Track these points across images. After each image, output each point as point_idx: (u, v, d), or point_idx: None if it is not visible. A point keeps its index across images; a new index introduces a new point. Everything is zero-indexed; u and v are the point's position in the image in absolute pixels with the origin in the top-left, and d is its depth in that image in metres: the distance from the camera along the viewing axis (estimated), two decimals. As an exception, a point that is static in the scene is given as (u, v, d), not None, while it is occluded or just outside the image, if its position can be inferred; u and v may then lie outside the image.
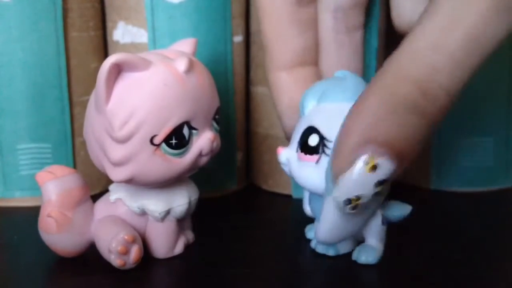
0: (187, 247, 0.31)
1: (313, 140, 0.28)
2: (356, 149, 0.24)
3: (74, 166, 0.38)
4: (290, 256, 0.31)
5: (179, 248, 0.30)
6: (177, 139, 0.27)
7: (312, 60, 0.32)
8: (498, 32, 0.23)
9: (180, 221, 0.30)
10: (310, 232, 0.32)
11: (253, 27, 0.39)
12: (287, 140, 0.31)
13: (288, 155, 0.29)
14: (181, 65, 0.27)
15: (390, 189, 0.30)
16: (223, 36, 0.37)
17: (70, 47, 0.37)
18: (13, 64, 0.36)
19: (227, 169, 0.39)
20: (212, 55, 0.37)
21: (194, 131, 0.28)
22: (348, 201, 0.25)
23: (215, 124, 0.29)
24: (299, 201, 0.38)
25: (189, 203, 0.30)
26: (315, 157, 0.27)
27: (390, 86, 0.24)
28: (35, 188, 0.30)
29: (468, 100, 0.38)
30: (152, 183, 0.28)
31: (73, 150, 0.38)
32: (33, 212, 0.30)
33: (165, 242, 0.30)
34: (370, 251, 0.29)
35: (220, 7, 0.37)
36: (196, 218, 0.32)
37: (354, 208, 0.25)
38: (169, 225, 0.29)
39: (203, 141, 0.28)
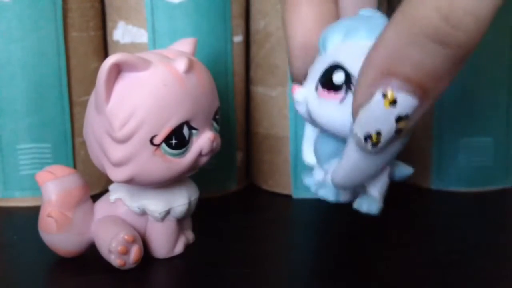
0: (187, 247, 0.31)
1: (338, 77, 0.26)
2: (375, 82, 0.23)
3: (74, 166, 0.38)
4: (290, 256, 0.31)
5: (179, 248, 0.30)
6: (177, 139, 0.27)
7: None
8: None
9: (180, 221, 0.30)
10: (308, 179, 0.30)
11: (253, 27, 0.39)
12: (296, 81, 0.30)
13: (305, 93, 0.27)
14: (181, 65, 0.27)
15: (389, 186, 0.30)
16: (223, 36, 0.37)
17: (70, 47, 0.37)
18: (13, 64, 0.36)
19: (227, 169, 0.39)
20: (212, 55, 0.37)
21: (194, 131, 0.28)
22: (368, 137, 0.24)
23: (215, 124, 0.29)
24: (299, 201, 0.38)
25: (189, 203, 0.30)
26: (339, 95, 0.26)
27: (410, 15, 0.22)
28: (35, 188, 0.30)
29: (468, 100, 0.38)
30: (152, 183, 0.28)
31: (73, 150, 0.38)
32: (33, 212, 0.30)
33: (165, 242, 0.30)
34: (372, 201, 0.28)
35: (220, 7, 0.37)
36: (196, 218, 0.32)
37: (375, 145, 0.24)
38: (169, 225, 0.29)
39: (203, 141, 0.28)
